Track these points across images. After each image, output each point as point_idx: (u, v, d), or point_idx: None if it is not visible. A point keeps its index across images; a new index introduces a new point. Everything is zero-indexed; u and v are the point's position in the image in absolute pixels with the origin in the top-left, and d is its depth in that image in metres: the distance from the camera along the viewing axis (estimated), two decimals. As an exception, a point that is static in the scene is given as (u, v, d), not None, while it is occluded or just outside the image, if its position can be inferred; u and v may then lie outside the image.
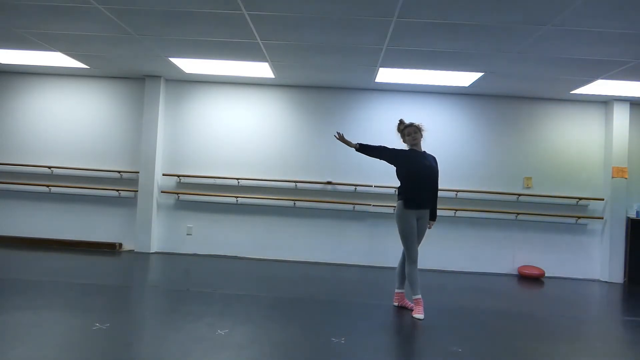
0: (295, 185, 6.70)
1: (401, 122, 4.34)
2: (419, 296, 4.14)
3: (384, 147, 4.26)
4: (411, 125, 4.26)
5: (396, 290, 4.44)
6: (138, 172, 6.76)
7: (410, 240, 4.14)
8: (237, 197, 6.71)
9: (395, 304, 4.43)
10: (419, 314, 4.06)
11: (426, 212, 4.25)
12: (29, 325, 3.33)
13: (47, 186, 6.81)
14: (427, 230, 4.34)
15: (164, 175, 6.83)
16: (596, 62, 4.91)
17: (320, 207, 6.74)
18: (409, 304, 4.34)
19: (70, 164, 6.87)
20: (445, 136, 6.76)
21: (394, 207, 6.55)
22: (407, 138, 4.27)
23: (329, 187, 6.74)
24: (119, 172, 6.82)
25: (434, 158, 4.37)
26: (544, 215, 6.59)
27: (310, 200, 6.63)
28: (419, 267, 4.23)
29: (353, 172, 6.66)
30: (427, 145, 6.65)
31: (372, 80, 6.22)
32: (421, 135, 4.29)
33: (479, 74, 5.61)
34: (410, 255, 4.15)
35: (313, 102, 6.84)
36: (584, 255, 6.64)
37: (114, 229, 6.84)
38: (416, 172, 4.15)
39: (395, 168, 4.27)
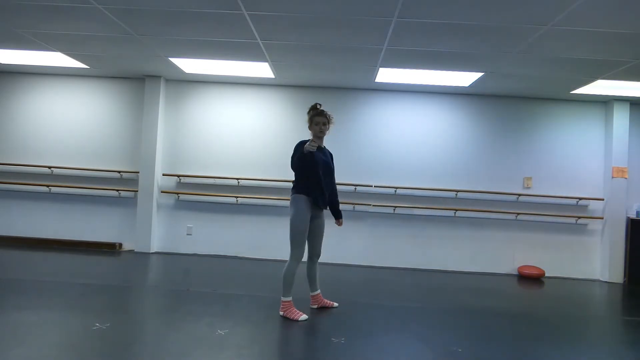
0: (295, 185, 6.69)
1: (313, 107, 4.00)
2: (290, 299, 3.88)
3: (294, 167, 3.85)
4: (322, 113, 3.92)
5: (311, 294, 4.20)
6: (138, 172, 6.76)
7: (301, 237, 3.82)
8: (237, 197, 6.71)
9: (314, 306, 4.18)
10: (297, 317, 3.81)
11: (322, 212, 4.02)
12: (29, 325, 3.33)
13: (47, 186, 6.81)
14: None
15: (164, 175, 6.83)
16: (596, 62, 4.91)
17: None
18: (328, 303, 4.20)
19: (70, 164, 6.87)
20: (445, 136, 6.76)
21: (393, 207, 6.63)
22: (315, 128, 3.91)
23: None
24: (119, 172, 6.82)
25: (331, 155, 4.16)
26: (544, 215, 6.59)
27: (310, 200, 6.62)
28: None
29: (353, 172, 6.66)
30: (428, 145, 6.76)
31: (372, 80, 6.22)
32: (328, 129, 3.97)
33: (479, 74, 5.61)
34: (297, 254, 3.83)
35: (313, 102, 6.78)
36: (584, 255, 6.64)
37: (114, 229, 6.84)
38: (316, 169, 3.85)
39: (290, 163, 3.92)
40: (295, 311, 3.87)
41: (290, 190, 4.03)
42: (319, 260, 4.20)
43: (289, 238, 3.86)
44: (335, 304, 4.28)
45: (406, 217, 6.71)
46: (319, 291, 4.23)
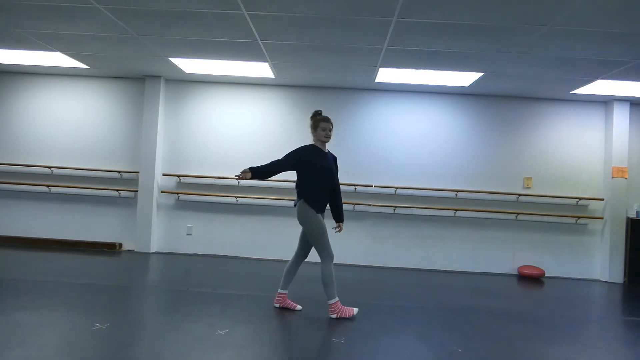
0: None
1: (318, 112, 4.03)
2: (337, 299, 3.90)
3: (279, 161, 3.85)
4: (328, 119, 3.96)
5: (280, 291, 4.11)
6: (138, 172, 6.76)
7: (325, 237, 3.88)
8: (237, 197, 6.70)
9: (277, 305, 4.11)
10: (350, 314, 3.88)
11: (322, 213, 4.00)
12: (29, 325, 3.32)
13: (47, 186, 6.81)
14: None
15: (164, 175, 6.83)
16: (596, 62, 4.91)
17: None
18: (292, 305, 4.08)
19: (70, 164, 6.86)
20: (445, 136, 6.76)
21: (393, 207, 6.63)
22: (320, 133, 3.93)
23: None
24: (119, 172, 6.82)
25: (334, 158, 4.15)
26: (544, 215, 6.59)
27: (310, 200, 6.61)
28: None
29: (353, 172, 6.65)
30: (428, 145, 6.75)
31: (372, 80, 6.22)
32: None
33: (479, 74, 5.61)
34: (329, 254, 3.91)
35: (313, 102, 6.81)
36: (584, 255, 6.64)
37: (114, 229, 6.84)
38: (320, 173, 3.90)
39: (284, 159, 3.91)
40: (347, 309, 3.94)
41: (294, 191, 4.00)
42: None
43: (315, 245, 3.92)
44: (299, 307, 4.08)
45: (406, 217, 6.71)
46: (287, 291, 4.14)
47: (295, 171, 3.98)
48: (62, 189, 6.86)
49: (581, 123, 6.73)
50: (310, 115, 4.08)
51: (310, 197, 3.89)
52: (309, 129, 4.06)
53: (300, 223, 3.96)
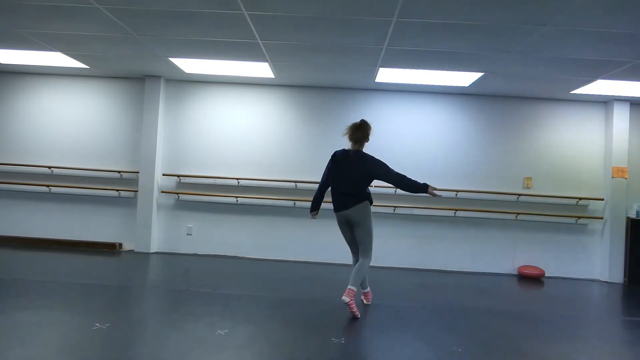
0: (295, 185, 6.70)
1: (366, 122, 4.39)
2: (368, 289, 4.41)
3: (395, 171, 4.29)
4: None
5: (363, 291, 4.43)
6: (138, 172, 6.76)
7: (373, 237, 4.17)
8: (237, 197, 6.70)
9: (368, 303, 4.42)
10: (355, 312, 3.97)
11: None
12: (29, 325, 3.33)
13: (47, 186, 6.81)
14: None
15: (164, 175, 6.83)
16: (596, 62, 4.91)
17: (321, 206, 6.74)
18: (369, 297, 4.52)
19: (70, 164, 6.86)
20: (445, 136, 6.75)
21: (393, 207, 6.63)
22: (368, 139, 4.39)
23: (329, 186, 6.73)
24: (119, 172, 6.82)
25: None
26: (544, 215, 6.59)
27: (310, 200, 6.59)
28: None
29: (353, 172, 6.65)
30: (428, 145, 6.76)
31: (372, 80, 6.22)
32: None
33: (479, 74, 5.61)
34: (371, 254, 4.17)
35: (313, 102, 6.84)
36: (584, 255, 6.64)
37: (114, 229, 6.84)
38: None
39: (372, 175, 4.21)
40: (356, 307, 3.97)
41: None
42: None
43: (366, 242, 4.12)
44: (358, 314, 4.27)
45: (406, 217, 6.71)
46: (369, 289, 4.46)
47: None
48: (62, 189, 6.86)
49: (581, 123, 6.73)
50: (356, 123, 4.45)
51: (369, 197, 4.19)
52: (349, 133, 4.41)
53: (361, 222, 4.09)
